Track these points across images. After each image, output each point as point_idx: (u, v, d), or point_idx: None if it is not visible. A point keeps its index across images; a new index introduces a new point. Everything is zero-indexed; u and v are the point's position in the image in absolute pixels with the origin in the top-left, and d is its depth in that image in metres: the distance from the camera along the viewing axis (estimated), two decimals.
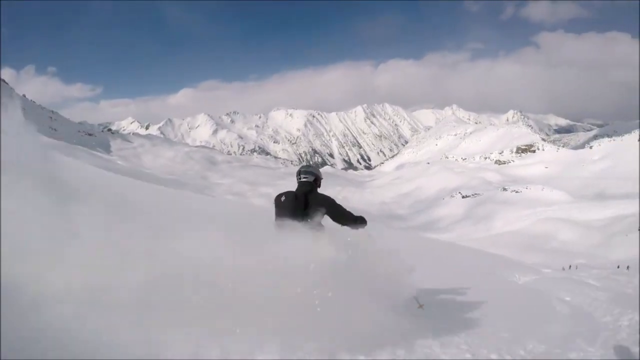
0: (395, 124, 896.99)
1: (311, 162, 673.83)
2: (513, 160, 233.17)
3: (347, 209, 5.38)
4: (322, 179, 5.68)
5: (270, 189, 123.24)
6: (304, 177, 5.51)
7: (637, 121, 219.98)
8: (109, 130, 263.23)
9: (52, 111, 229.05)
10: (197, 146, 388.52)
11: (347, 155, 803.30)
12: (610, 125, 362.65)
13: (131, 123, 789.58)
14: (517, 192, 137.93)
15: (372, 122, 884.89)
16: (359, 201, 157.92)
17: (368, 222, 5.51)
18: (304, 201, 5.24)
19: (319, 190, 5.59)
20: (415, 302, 5.51)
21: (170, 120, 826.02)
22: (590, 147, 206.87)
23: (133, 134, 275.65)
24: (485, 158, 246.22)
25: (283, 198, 5.27)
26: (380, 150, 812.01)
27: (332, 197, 5.42)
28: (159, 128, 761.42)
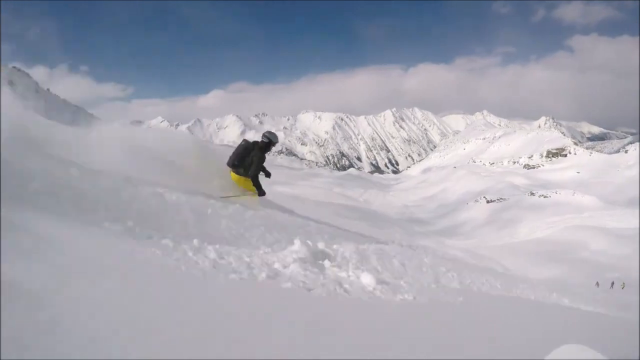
0: (425, 129, 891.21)
1: (338, 165, 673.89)
2: (543, 165, 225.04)
3: (257, 171, 9.29)
4: (276, 142, 9.64)
5: (287, 188, 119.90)
6: (263, 138, 9.43)
7: None
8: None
9: (77, 106, 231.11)
10: (221, 144, 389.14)
11: (375, 159, 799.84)
12: None
13: (161, 122, 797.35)
14: (545, 197, 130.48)
15: (401, 127, 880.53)
16: (380, 204, 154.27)
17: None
18: (250, 151, 9.28)
19: (268, 154, 9.60)
20: None
21: (199, 120, 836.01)
22: (626, 152, 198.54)
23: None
24: (514, 162, 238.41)
25: (243, 142, 9.53)
26: (409, 155, 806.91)
27: (263, 160, 9.43)
28: (188, 128, 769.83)
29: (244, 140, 9.53)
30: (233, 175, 9.43)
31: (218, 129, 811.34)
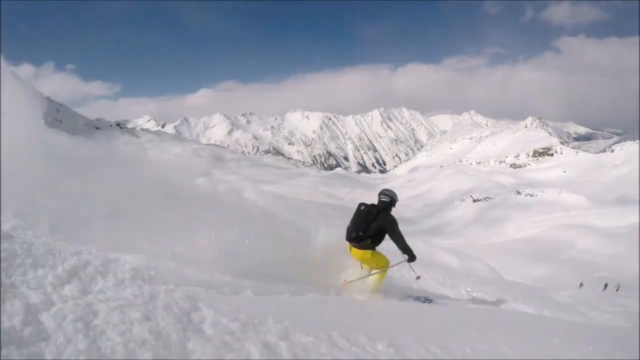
0: (412, 129, 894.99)
1: (325, 165, 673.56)
2: (529, 164, 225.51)
3: (403, 238, 7.16)
4: (397, 201, 7.50)
5: (273, 187, 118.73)
6: (383, 198, 7.36)
7: None
8: (118, 125, 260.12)
9: (61, 104, 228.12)
10: (207, 144, 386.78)
11: (362, 158, 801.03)
12: (631, 134, 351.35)
13: (148, 121, 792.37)
14: (532, 195, 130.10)
15: (388, 126, 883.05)
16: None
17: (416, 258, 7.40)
18: (375, 216, 7.11)
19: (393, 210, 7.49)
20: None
21: (186, 119, 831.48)
22: (612, 151, 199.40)
23: (142, 129, 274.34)
24: (501, 162, 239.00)
25: (362, 207, 7.29)
26: (396, 155, 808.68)
27: (396, 220, 7.23)
28: (175, 127, 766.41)
29: (362, 204, 7.40)
30: (355, 251, 7.32)
31: (205, 128, 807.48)
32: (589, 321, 9.10)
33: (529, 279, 45.37)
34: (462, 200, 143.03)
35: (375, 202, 7.30)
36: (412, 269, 7.92)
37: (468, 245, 78.84)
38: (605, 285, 42.80)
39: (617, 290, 39.27)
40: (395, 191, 7.56)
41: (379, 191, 7.41)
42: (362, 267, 7.50)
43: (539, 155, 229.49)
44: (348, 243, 7.31)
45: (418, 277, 8.02)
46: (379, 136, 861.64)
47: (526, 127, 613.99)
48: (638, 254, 58.15)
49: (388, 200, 7.27)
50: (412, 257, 7.21)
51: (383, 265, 7.44)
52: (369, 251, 7.21)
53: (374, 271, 7.41)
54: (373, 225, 7.01)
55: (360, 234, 7.06)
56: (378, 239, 7.18)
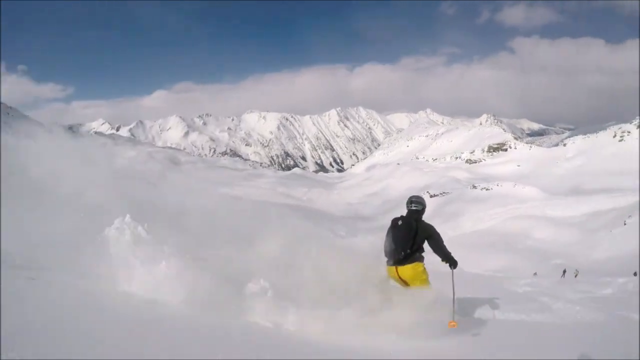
0: (369, 128, 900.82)
1: (283, 165, 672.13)
2: (484, 159, 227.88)
3: (444, 244, 6.42)
4: (426, 207, 6.78)
5: (230, 189, 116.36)
6: (415, 206, 6.62)
7: (608, 125, 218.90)
8: (71, 129, 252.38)
9: (10, 107, 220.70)
10: (162, 147, 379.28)
11: (320, 158, 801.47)
12: (581, 129, 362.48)
13: (102, 124, 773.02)
14: (487, 189, 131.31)
15: (345, 126, 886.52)
16: (324, 202, 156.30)
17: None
18: (415, 228, 6.31)
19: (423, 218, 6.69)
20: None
21: (141, 122, 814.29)
22: (564, 145, 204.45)
23: (96, 132, 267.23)
24: (456, 158, 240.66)
25: (400, 222, 6.49)
26: (353, 154, 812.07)
27: (434, 226, 6.51)
28: (130, 130, 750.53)
29: (398, 219, 6.59)
30: (405, 270, 6.38)
31: (161, 130, 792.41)
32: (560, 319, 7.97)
33: (487, 270, 45.18)
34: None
35: (404, 212, 6.74)
36: (452, 288, 6.41)
37: None
38: (564, 272, 42.36)
39: (575, 276, 38.71)
40: (423, 196, 7.10)
41: (407, 199, 6.82)
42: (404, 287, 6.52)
43: (493, 151, 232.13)
44: (390, 267, 6.51)
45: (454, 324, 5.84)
46: (337, 135, 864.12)
47: (481, 124, 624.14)
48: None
49: (420, 208, 6.70)
50: (454, 264, 6.51)
51: (427, 275, 6.56)
52: (421, 264, 6.46)
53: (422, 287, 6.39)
54: (417, 238, 6.36)
55: (408, 251, 6.35)
56: (421, 251, 6.51)
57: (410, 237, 6.24)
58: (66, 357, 2.46)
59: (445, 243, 6.44)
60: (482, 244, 74.09)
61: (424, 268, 6.43)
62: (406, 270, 6.31)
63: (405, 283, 6.41)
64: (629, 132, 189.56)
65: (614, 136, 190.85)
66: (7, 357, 2.22)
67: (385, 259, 6.58)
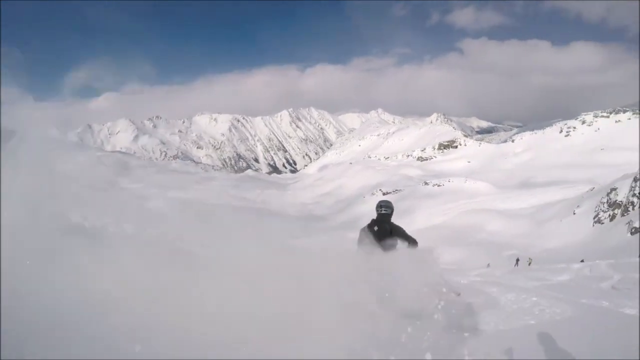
0: (321, 128, 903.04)
1: (236, 168, 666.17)
2: (435, 156, 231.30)
3: (410, 234, 7.26)
4: (394, 210, 7.55)
5: (181, 193, 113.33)
6: (385, 210, 7.36)
7: (553, 121, 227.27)
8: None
9: None
10: (112, 151, 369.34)
11: (273, 159, 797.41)
12: (529, 125, 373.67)
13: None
14: (439, 185, 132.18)
15: (297, 126, 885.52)
16: (278, 203, 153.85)
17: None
18: (390, 230, 7.10)
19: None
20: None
21: (89, 125, 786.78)
22: (513, 141, 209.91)
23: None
24: (408, 156, 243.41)
25: (376, 227, 7.19)
26: (306, 154, 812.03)
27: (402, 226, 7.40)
28: (78, 134, 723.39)
29: (373, 225, 7.39)
30: None
31: (110, 134, 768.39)
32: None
33: (441, 263, 44.40)
34: (372, 194, 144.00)
35: (374, 216, 7.54)
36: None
37: None
38: (517, 261, 42.57)
39: (529, 264, 38.83)
40: (391, 201, 7.95)
41: (377, 204, 7.57)
42: None
43: (444, 148, 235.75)
44: None
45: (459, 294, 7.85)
46: (289, 136, 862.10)
47: (432, 122, 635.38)
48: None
49: (390, 211, 7.51)
50: (416, 243, 7.56)
51: None
52: None
53: None
54: (388, 242, 7.17)
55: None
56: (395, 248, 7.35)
57: (388, 238, 7.05)
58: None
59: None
60: (436, 238, 73.25)
61: None
62: None
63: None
64: (574, 127, 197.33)
65: (560, 132, 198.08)
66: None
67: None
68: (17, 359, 2.07)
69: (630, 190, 59.70)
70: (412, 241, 7.12)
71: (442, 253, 58.33)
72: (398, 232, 7.11)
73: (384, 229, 7.14)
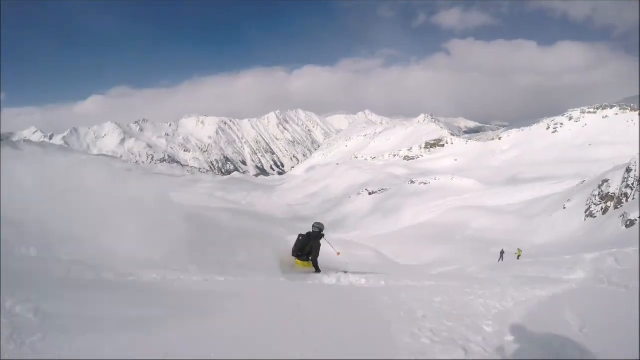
0: (309, 130, 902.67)
1: (223, 170, 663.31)
2: (422, 155, 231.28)
3: (317, 257, 11.57)
4: (324, 230, 11.93)
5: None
6: (315, 229, 11.63)
7: (539, 120, 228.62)
8: None
9: None
10: (97, 154, 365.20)
11: (260, 161, 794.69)
12: (515, 124, 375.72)
13: (34, 133, 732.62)
14: (425, 183, 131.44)
15: (285, 129, 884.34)
16: (264, 205, 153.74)
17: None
18: (308, 242, 11.50)
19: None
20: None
21: (75, 129, 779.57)
22: (500, 138, 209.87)
23: (25, 141, 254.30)
24: (394, 155, 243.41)
25: (301, 237, 11.60)
26: (294, 156, 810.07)
27: (319, 243, 11.63)
28: (64, 138, 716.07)
29: (301, 235, 11.80)
30: (298, 262, 11.88)
31: (96, 138, 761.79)
32: None
33: (424, 261, 45.69)
34: (359, 194, 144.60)
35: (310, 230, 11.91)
36: (332, 247, 12.76)
37: (365, 237, 79.80)
38: (502, 254, 40.07)
39: (518, 257, 36.56)
40: (322, 222, 12.23)
41: (313, 223, 12.03)
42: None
43: (431, 147, 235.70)
44: (294, 257, 11.95)
45: (338, 253, 13.03)
46: (276, 138, 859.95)
47: (419, 122, 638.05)
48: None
49: (318, 230, 11.73)
50: (317, 270, 11.64)
51: (310, 268, 11.84)
52: (305, 262, 11.84)
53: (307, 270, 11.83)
54: (307, 248, 11.67)
55: (299, 253, 11.74)
56: (309, 256, 11.72)
57: (303, 246, 11.62)
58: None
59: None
60: (422, 236, 73.09)
61: (309, 263, 11.72)
62: (298, 262, 11.81)
63: (300, 267, 11.83)
64: (561, 124, 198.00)
65: (548, 128, 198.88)
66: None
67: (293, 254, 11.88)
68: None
69: (623, 182, 57.23)
70: (315, 261, 11.54)
71: (425, 251, 56.93)
72: (312, 247, 11.51)
73: (306, 240, 11.57)
